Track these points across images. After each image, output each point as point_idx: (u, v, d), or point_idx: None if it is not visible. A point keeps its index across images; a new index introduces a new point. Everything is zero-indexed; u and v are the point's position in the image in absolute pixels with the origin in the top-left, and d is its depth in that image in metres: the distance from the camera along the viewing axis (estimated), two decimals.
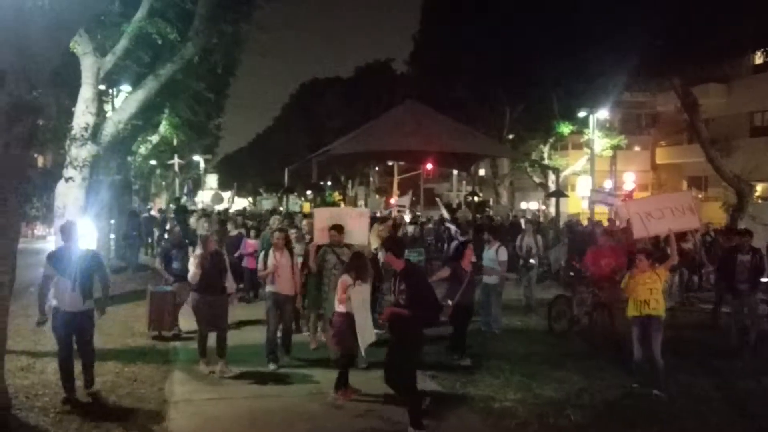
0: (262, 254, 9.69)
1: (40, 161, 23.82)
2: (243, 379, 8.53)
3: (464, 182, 42.72)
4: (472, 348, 10.24)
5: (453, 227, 18.16)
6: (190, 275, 8.83)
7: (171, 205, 37.43)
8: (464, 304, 9.69)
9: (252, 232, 15.23)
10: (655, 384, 8.17)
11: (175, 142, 26.60)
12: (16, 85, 6.41)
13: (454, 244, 14.36)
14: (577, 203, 36.70)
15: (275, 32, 15.26)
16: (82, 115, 12.59)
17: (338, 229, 9.23)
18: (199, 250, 8.93)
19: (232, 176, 68.33)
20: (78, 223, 8.30)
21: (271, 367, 8.96)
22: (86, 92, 12.69)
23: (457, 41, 28.20)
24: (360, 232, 9.55)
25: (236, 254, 14.28)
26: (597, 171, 31.55)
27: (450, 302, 9.48)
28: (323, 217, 9.82)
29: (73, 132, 12.36)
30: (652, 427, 7.17)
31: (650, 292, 8.31)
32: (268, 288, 9.30)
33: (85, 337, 7.58)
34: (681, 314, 13.69)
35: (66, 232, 7.53)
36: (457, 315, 9.63)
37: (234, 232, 15.57)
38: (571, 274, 13.10)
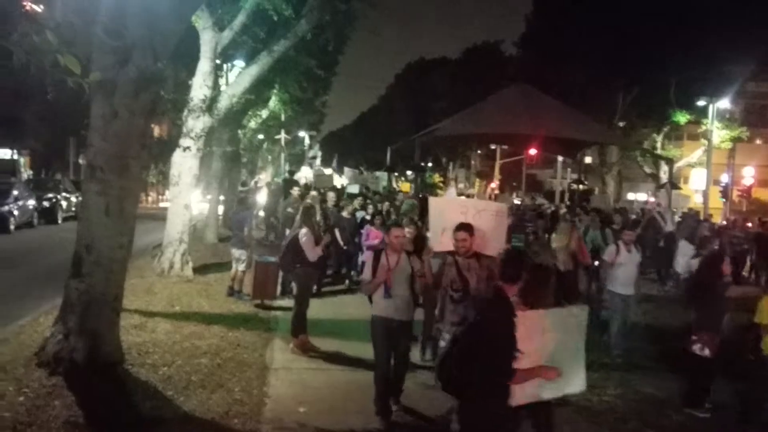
0: (369, 257, 6.85)
1: (157, 131, 25.03)
2: (339, 352, 8.65)
3: (569, 169, 41.46)
4: None
5: (666, 217, 14.05)
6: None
7: (276, 179, 38.53)
8: (728, 336, 7.36)
9: (377, 218, 12.74)
10: None
11: (283, 117, 27.24)
12: (143, 57, 6.75)
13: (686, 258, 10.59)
14: (690, 197, 34.98)
15: (385, 10, 15.25)
16: (199, 88, 13.13)
17: (468, 229, 6.32)
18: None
19: (336, 153, 69.52)
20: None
21: (379, 425, 6.36)
22: (204, 66, 13.22)
23: (573, 22, 27.38)
24: (497, 236, 6.60)
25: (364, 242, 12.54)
26: (714, 164, 29.87)
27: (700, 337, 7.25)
28: (443, 210, 6.92)
29: (191, 104, 12.92)
30: None
31: None
32: (374, 310, 6.61)
33: None
34: None
35: None
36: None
37: (346, 214, 13.88)
38: None
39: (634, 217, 19.28)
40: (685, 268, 10.30)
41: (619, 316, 9.33)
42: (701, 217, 20.87)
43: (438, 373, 4.52)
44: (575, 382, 4.79)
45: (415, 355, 7.83)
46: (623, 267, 9.38)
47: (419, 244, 7.61)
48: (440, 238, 6.65)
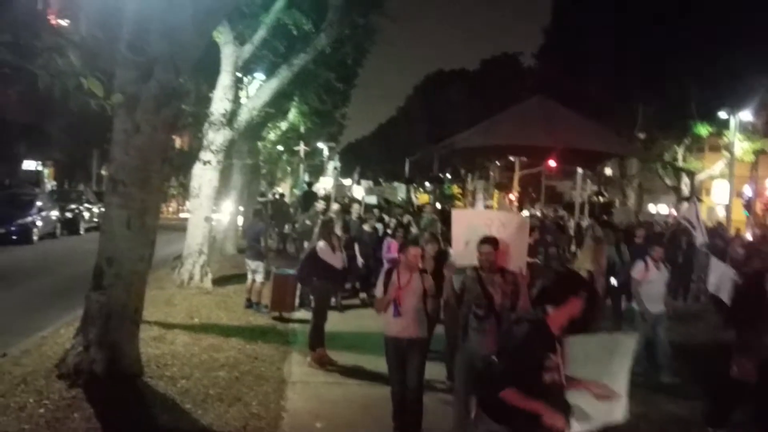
0: (382, 274, 6.71)
1: (178, 142, 25.22)
2: (357, 366, 8.64)
3: (588, 181, 41.13)
4: None
5: (700, 233, 13.28)
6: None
7: (295, 190, 38.70)
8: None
9: (398, 231, 12.43)
10: None
11: (302, 129, 27.39)
12: (164, 72, 6.83)
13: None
14: (713, 208, 34.60)
15: (404, 23, 15.34)
16: (220, 102, 13.27)
17: (493, 243, 5.95)
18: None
19: (355, 164, 69.66)
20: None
21: None
22: (225, 80, 13.37)
23: (593, 34, 27.29)
24: (519, 251, 6.35)
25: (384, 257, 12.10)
26: (736, 176, 29.52)
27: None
28: (466, 223, 6.68)
29: (211, 117, 13.06)
30: None
31: None
32: (385, 329, 6.44)
33: None
34: None
35: None
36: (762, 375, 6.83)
37: (368, 228, 13.85)
38: None
39: (658, 229, 19.04)
40: (717, 287, 10.02)
41: (644, 334, 8.81)
42: (728, 232, 20.58)
43: (470, 393, 4.41)
44: (617, 411, 4.50)
45: (437, 371, 7.81)
46: (652, 284, 9.07)
47: (441, 260, 7.46)
48: (463, 252, 6.37)
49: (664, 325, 9.10)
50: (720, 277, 9.92)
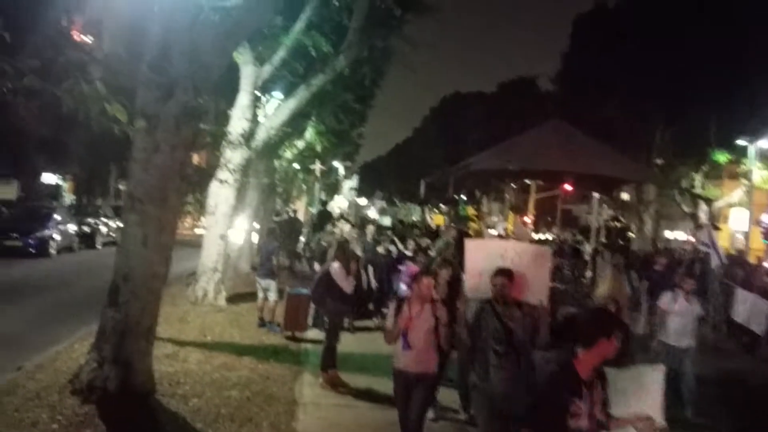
0: (392, 306, 6.40)
1: (196, 159, 25.39)
2: (370, 388, 8.58)
3: (605, 205, 40.81)
4: None
5: (716, 255, 13.03)
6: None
7: (311, 208, 38.79)
8: None
9: (417, 255, 12.20)
10: None
11: (318, 148, 27.48)
12: (185, 92, 6.91)
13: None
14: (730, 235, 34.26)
15: (422, 46, 15.38)
16: (238, 121, 13.39)
17: (507, 275, 5.69)
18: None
19: (370, 183, 69.71)
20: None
21: None
22: (243, 99, 13.50)
23: (611, 59, 27.32)
24: (539, 282, 5.93)
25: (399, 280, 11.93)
26: (755, 204, 29.26)
27: None
28: (480, 253, 6.27)
29: (229, 136, 13.17)
30: None
31: None
32: (395, 362, 6.16)
33: None
34: None
35: None
36: None
37: (382, 250, 13.74)
38: None
39: (676, 256, 18.88)
40: (747, 318, 9.75)
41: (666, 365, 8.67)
42: (747, 259, 20.35)
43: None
44: None
45: (451, 398, 7.76)
46: (680, 317, 8.63)
47: (456, 286, 7.24)
48: (477, 283, 6.00)
49: (691, 359, 8.71)
50: (750, 308, 9.70)
